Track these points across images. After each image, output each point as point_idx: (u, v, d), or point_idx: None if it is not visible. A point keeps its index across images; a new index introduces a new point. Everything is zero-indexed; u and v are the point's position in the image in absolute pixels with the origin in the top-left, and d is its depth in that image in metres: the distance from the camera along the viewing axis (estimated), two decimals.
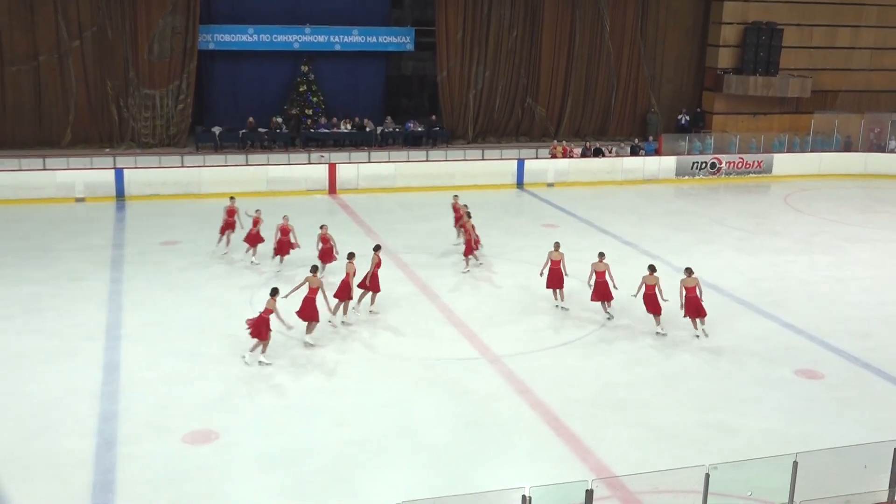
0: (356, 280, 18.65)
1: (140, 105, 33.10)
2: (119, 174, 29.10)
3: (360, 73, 36.19)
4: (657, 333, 18.44)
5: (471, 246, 22.31)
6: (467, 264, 22.37)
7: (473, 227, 22.55)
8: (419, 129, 35.80)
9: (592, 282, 19.08)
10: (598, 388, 16.04)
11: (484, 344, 17.78)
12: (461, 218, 23.40)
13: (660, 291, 18.37)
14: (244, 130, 33.73)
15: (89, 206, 28.35)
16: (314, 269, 17.85)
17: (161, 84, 33.17)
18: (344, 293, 18.23)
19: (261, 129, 33.94)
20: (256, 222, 22.16)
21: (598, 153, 35.07)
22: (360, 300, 19.02)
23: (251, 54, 34.60)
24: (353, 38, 35.26)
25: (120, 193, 28.96)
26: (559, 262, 19.63)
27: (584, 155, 34.83)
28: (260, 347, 16.42)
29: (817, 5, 37.97)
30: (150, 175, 29.67)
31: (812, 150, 37.10)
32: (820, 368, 17.04)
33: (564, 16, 37.04)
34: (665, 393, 15.87)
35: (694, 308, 18.11)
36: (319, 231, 21.25)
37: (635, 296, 18.67)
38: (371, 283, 18.92)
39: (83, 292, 20.01)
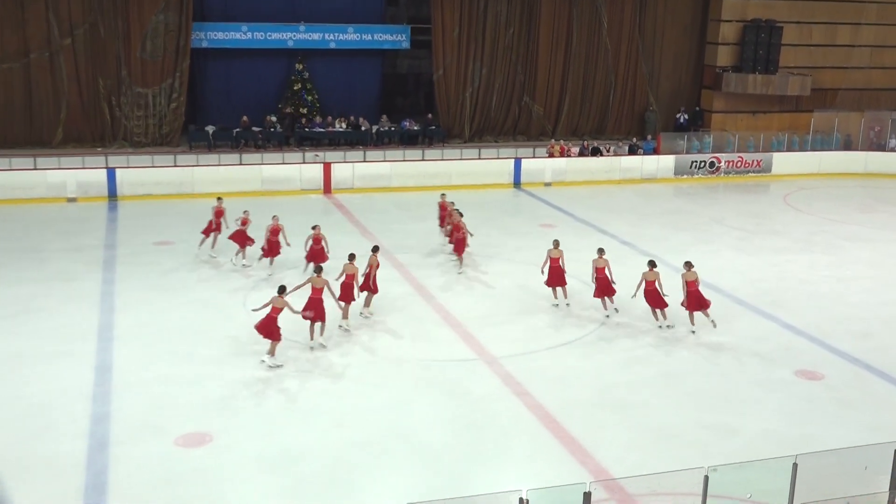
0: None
1: (132, 104, 32.94)
2: (111, 174, 28.93)
3: (355, 71, 36.03)
4: (661, 327, 18.55)
5: (464, 245, 22.16)
6: (462, 264, 22.22)
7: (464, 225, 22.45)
8: (415, 128, 35.66)
9: (594, 278, 19.17)
10: (597, 388, 16.01)
11: (482, 345, 17.73)
12: (447, 217, 23.25)
13: (660, 286, 18.42)
14: (238, 129, 33.56)
15: (81, 206, 28.23)
16: (318, 269, 17.65)
17: (154, 82, 33.01)
18: (347, 296, 18.05)
19: (255, 128, 33.80)
20: (245, 223, 21.90)
21: (595, 152, 34.95)
22: (366, 303, 18.90)
23: (245, 52, 34.44)
24: (349, 36, 35.11)
25: (112, 193, 28.81)
26: (558, 259, 19.58)
27: (581, 154, 34.73)
28: (274, 347, 16.34)
29: (817, 3, 37.87)
30: (142, 175, 29.50)
31: (812, 149, 37.04)
32: (820, 369, 16.97)
33: (561, 13, 36.90)
34: (664, 394, 15.82)
35: (696, 301, 18.19)
36: (312, 231, 21.02)
37: (634, 296, 18.65)
38: (365, 285, 18.76)
39: (75, 293, 19.95)
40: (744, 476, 11.25)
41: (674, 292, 18.67)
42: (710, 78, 38.23)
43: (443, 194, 24.85)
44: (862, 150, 37.11)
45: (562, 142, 35.22)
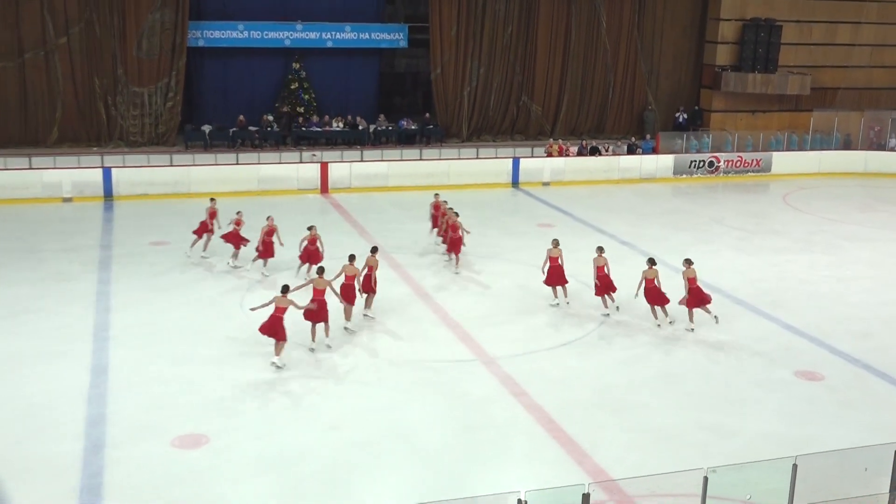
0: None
1: (128, 103, 32.81)
2: (107, 173, 28.80)
3: (352, 70, 35.93)
4: (660, 325, 18.61)
5: (460, 244, 22.05)
6: (458, 263, 22.12)
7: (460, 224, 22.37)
8: (413, 128, 35.55)
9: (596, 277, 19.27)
10: (596, 389, 15.97)
11: (480, 345, 17.69)
12: (441, 217, 23.11)
13: (658, 283, 18.55)
14: (234, 129, 33.45)
15: (77, 206, 28.12)
16: (320, 270, 17.53)
17: (150, 81, 32.89)
18: (349, 297, 17.95)
19: (251, 128, 33.68)
20: (238, 224, 21.75)
21: (594, 152, 34.85)
22: (367, 304, 18.82)
23: (241, 51, 34.32)
24: (346, 34, 35.02)
25: (108, 193, 28.68)
26: (558, 258, 19.57)
27: (580, 153, 34.64)
28: (281, 348, 16.25)
29: (817, 1, 37.83)
30: (138, 174, 29.38)
31: (811, 149, 36.96)
32: (820, 370, 16.93)
33: (560, 11, 36.80)
34: (663, 394, 15.77)
35: (697, 298, 18.28)
36: (308, 232, 20.88)
37: (637, 295, 18.68)
38: (367, 286, 18.65)
39: (71, 294, 19.87)
40: (743, 477, 11.22)
41: (673, 291, 18.70)
42: (710, 77, 38.15)
43: (436, 194, 24.68)
44: (862, 149, 37.02)
45: (560, 141, 35.11)
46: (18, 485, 12.35)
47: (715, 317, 18.47)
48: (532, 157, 34.17)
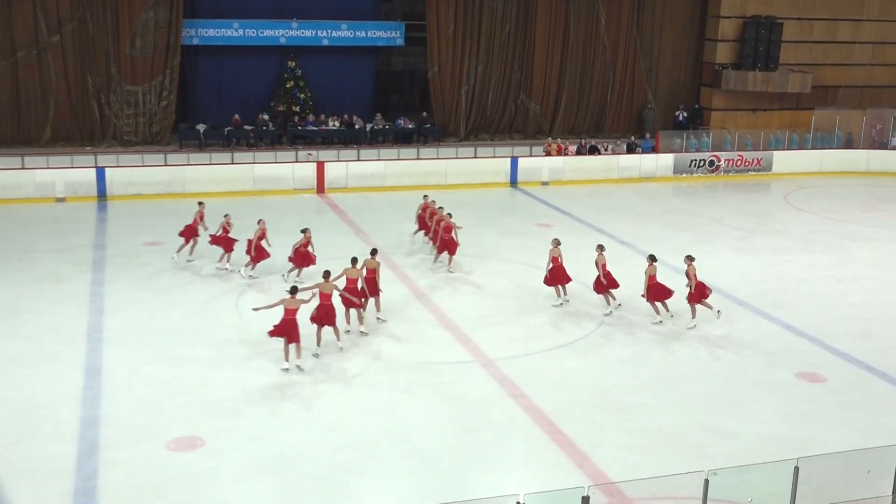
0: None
1: (122, 102, 32.73)
2: (100, 173, 28.62)
3: (348, 68, 35.83)
4: (661, 322, 18.64)
5: (454, 244, 21.87)
6: (450, 262, 22.00)
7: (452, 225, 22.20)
8: (410, 127, 35.49)
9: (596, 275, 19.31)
10: (595, 390, 15.90)
11: (478, 347, 17.62)
12: (429, 218, 22.84)
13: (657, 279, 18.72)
14: (229, 128, 33.38)
15: (70, 206, 27.98)
16: (326, 274, 17.28)
17: (144, 80, 32.80)
18: (352, 300, 17.78)
19: (247, 127, 33.62)
20: (226, 227, 21.46)
21: (593, 151, 34.72)
22: (376, 307, 18.71)
23: (236, 49, 34.27)
24: (342, 32, 34.96)
25: (101, 193, 28.49)
26: (558, 257, 19.62)
27: (579, 152, 34.51)
28: (299, 350, 16.18)
29: None
30: (132, 174, 29.20)
31: (813, 147, 36.85)
32: (821, 371, 16.85)
33: (558, 9, 36.70)
34: (663, 396, 15.70)
35: (699, 293, 18.44)
36: (301, 235, 20.67)
37: (644, 295, 18.78)
38: (372, 290, 18.56)
39: (64, 294, 19.78)
40: (744, 479, 11.21)
41: (677, 289, 18.81)
42: (710, 75, 38.06)
43: (425, 196, 24.28)
44: (863, 148, 36.89)
45: (559, 140, 35.02)
46: (12, 488, 12.28)
47: (718, 311, 18.64)
48: (530, 156, 34.02)
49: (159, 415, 14.41)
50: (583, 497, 9.80)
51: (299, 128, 34.03)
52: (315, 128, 34.17)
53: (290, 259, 20.46)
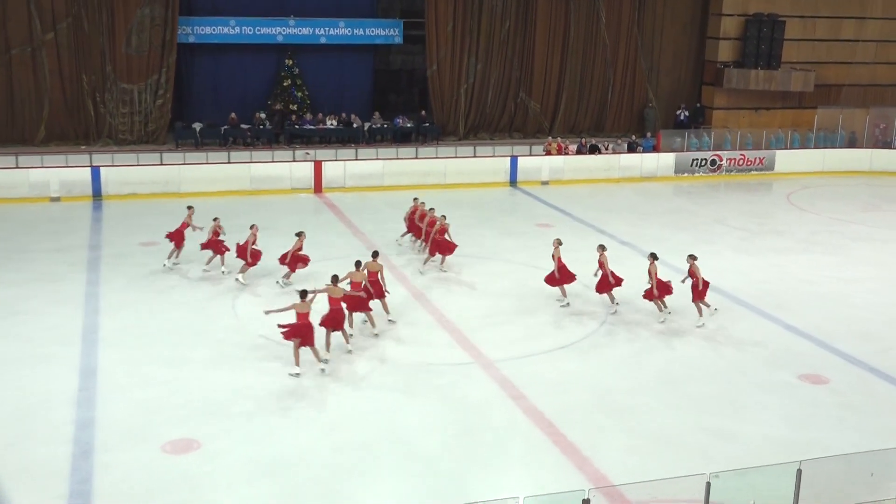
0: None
1: (117, 100, 32.60)
2: (96, 172, 28.49)
3: (346, 66, 35.74)
4: (663, 322, 18.70)
5: (450, 245, 21.74)
6: (443, 262, 21.89)
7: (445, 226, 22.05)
8: (408, 125, 35.38)
9: (596, 274, 19.44)
10: (596, 392, 15.82)
11: (478, 348, 17.53)
12: (418, 220, 22.57)
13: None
14: (226, 127, 33.28)
15: (65, 205, 27.88)
16: (335, 278, 17.09)
17: (139, 78, 32.67)
18: (362, 305, 17.68)
19: (243, 126, 33.51)
20: (217, 231, 21.18)
21: (594, 150, 34.58)
22: (384, 309, 18.58)
23: (233, 47, 34.20)
24: (340, 30, 34.88)
25: (97, 192, 28.36)
26: (561, 257, 19.67)
27: (579, 152, 34.37)
28: (313, 352, 16.13)
29: None
30: (127, 173, 29.06)
31: (815, 147, 36.75)
32: (824, 372, 16.75)
33: (559, 6, 36.55)
34: (665, 398, 15.61)
35: (704, 290, 18.62)
36: (296, 238, 20.43)
37: (648, 293, 18.81)
38: (378, 293, 18.39)
39: (59, 295, 19.70)
40: (747, 482, 11.19)
41: (675, 291, 18.92)
42: (711, 74, 37.92)
43: (415, 199, 23.95)
44: (867, 147, 36.82)
45: (559, 139, 34.90)
46: (7, 489, 12.25)
47: (715, 308, 18.81)
48: (530, 155, 33.90)
49: (155, 417, 14.34)
50: (583, 500, 9.77)
51: (297, 127, 33.89)
52: (313, 127, 34.05)
53: (288, 263, 20.14)
